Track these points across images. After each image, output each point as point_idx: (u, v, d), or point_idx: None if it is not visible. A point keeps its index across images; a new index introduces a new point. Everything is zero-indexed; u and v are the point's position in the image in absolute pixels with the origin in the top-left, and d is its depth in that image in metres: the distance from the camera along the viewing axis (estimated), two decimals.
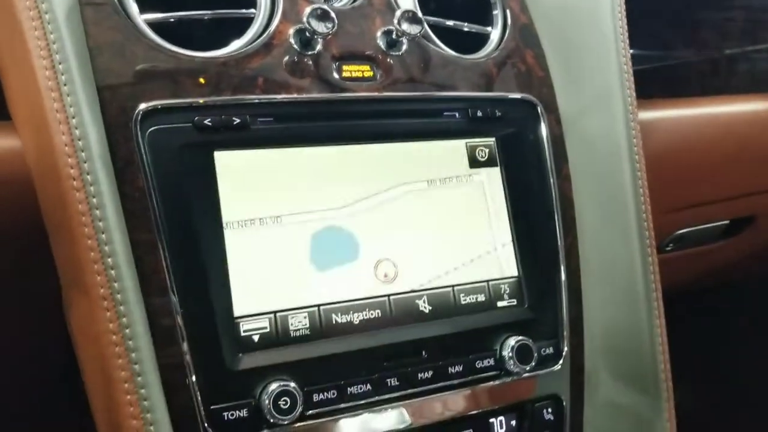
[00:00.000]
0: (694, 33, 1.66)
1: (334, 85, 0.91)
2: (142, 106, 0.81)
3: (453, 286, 0.94)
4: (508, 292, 0.98)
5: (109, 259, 0.77)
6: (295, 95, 0.89)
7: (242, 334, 0.83)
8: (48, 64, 0.79)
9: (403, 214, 0.93)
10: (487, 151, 0.99)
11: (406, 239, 0.93)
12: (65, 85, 0.79)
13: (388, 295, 0.90)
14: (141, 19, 0.85)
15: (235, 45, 0.89)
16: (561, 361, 0.99)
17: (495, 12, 1.07)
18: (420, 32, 0.94)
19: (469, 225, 0.97)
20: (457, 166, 0.97)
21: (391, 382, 0.88)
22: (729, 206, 1.47)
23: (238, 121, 0.85)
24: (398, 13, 0.92)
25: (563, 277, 1.01)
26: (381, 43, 0.94)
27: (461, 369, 0.92)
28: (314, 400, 0.84)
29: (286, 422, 0.81)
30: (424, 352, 0.91)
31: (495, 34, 1.06)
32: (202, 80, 0.85)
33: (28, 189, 0.83)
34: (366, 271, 0.90)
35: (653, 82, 1.35)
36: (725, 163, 1.38)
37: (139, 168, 0.80)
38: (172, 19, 0.87)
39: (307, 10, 0.87)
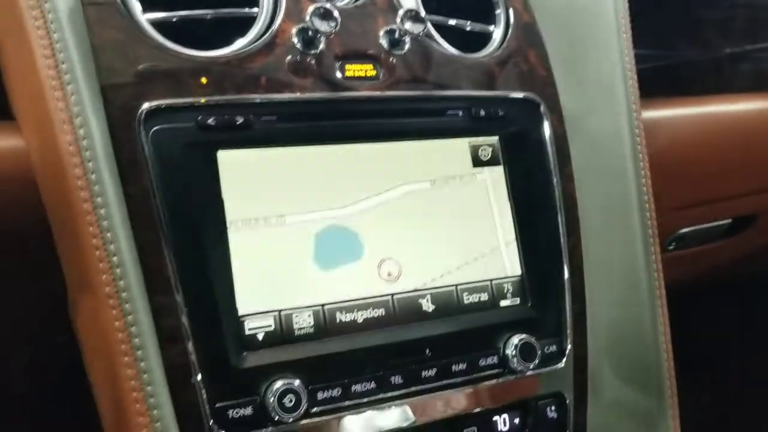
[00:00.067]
0: (697, 32, 1.66)
1: (336, 85, 0.91)
2: (146, 105, 0.81)
3: (456, 285, 0.95)
4: (511, 291, 0.98)
5: (114, 258, 0.77)
6: (297, 94, 0.89)
7: (247, 332, 0.83)
8: (51, 64, 0.79)
9: (406, 213, 0.93)
10: (490, 150, 0.99)
11: (409, 238, 0.93)
12: (69, 84, 0.79)
13: (392, 294, 0.91)
14: (144, 18, 0.85)
15: (238, 44, 0.88)
16: (564, 360, 0.99)
17: (497, 11, 1.07)
18: (423, 31, 0.94)
19: (473, 224, 0.97)
20: (461, 165, 0.97)
21: (395, 380, 0.88)
22: (732, 205, 1.47)
23: (241, 120, 0.85)
24: (401, 12, 0.92)
25: (566, 275, 1.01)
26: (384, 42, 0.94)
27: (465, 367, 0.92)
28: (318, 397, 0.84)
29: (290, 420, 0.81)
30: (427, 351, 0.91)
31: (498, 32, 1.06)
32: (204, 80, 0.85)
33: (32, 189, 0.83)
34: (369, 270, 0.90)
35: (656, 81, 1.35)
36: (729, 162, 1.38)
37: (142, 167, 0.80)
38: (174, 19, 0.87)
39: (310, 9, 0.87)
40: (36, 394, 1.31)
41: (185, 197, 0.82)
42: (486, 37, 1.06)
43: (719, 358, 1.99)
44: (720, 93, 1.46)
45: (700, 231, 1.46)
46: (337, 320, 0.87)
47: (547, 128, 1.02)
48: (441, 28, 1.02)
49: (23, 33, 0.81)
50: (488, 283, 0.97)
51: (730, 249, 1.57)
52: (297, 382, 0.82)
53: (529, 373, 0.95)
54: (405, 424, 0.89)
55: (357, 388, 0.86)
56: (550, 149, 1.02)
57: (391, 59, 0.95)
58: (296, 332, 0.85)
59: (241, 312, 0.83)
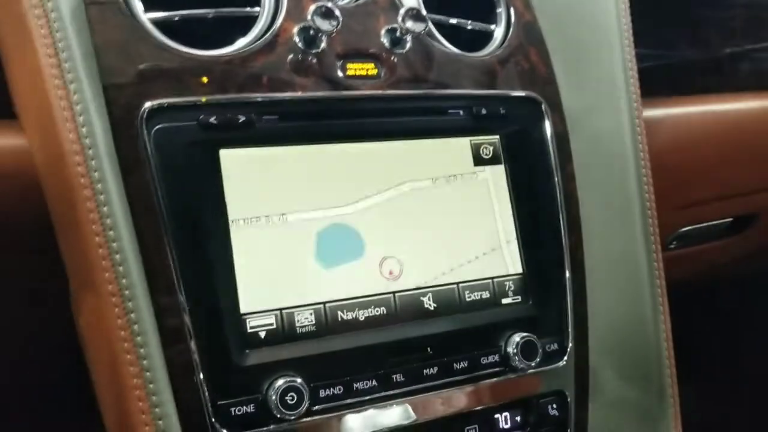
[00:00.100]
0: (698, 31, 1.66)
1: (338, 83, 0.92)
2: (148, 104, 0.81)
3: (458, 283, 0.95)
4: (512, 289, 0.98)
5: (117, 256, 0.77)
6: (299, 93, 0.89)
7: (249, 330, 0.83)
8: (54, 63, 0.79)
9: (407, 211, 0.93)
10: (491, 148, 0.99)
11: (411, 237, 0.93)
12: (71, 83, 0.79)
13: (394, 293, 0.91)
14: (146, 17, 0.85)
15: (240, 43, 0.89)
16: (565, 358, 0.99)
17: (499, 10, 1.07)
18: (424, 30, 0.94)
19: (474, 222, 0.97)
20: (462, 164, 0.97)
21: (396, 378, 0.89)
22: (733, 204, 1.47)
23: (243, 119, 0.85)
24: (402, 10, 0.92)
25: (568, 274, 1.01)
26: (385, 41, 0.94)
27: (466, 365, 0.93)
28: (320, 395, 0.84)
29: (292, 417, 0.81)
30: (429, 349, 0.91)
31: (499, 31, 1.06)
32: (206, 79, 0.85)
33: (35, 188, 0.83)
34: (371, 268, 0.90)
35: (657, 80, 1.35)
36: (729, 161, 1.39)
37: (145, 166, 0.80)
38: (176, 18, 0.87)
39: (312, 8, 0.87)
40: (38, 392, 1.31)
41: (187, 196, 0.82)
42: (487, 36, 1.06)
43: (720, 357, 1.99)
44: (721, 92, 1.46)
45: (701, 230, 1.46)
46: (339, 318, 0.87)
47: (548, 127, 1.03)
48: (442, 27, 1.02)
49: (26, 32, 0.81)
50: (490, 281, 0.97)
51: (731, 248, 1.57)
52: (299, 380, 0.82)
53: (531, 371, 0.95)
54: (406, 422, 0.89)
55: (359, 386, 0.86)
56: (551, 148, 1.02)
57: (392, 58, 0.95)
58: (298, 330, 0.85)
59: (243, 310, 0.83)
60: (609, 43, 1.12)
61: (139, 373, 0.77)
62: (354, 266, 0.89)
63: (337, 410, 0.85)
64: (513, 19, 1.06)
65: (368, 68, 0.94)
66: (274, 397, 0.80)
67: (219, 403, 0.80)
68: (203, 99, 0.84)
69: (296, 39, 0.89)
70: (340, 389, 0.85)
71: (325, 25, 0.87)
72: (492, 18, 1.07)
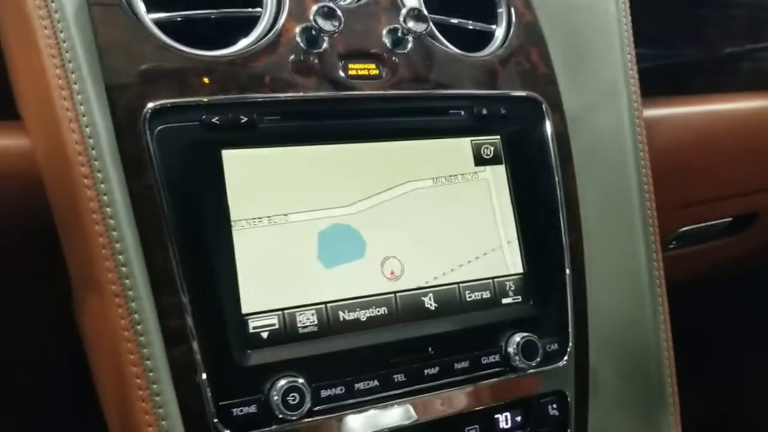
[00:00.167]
0: (698, 31, 1.66)
1: (340, 84, 0.92)
2: (150, 105, 0.81)
3: (459, 283, 0.95)
4: (513, 289, 0.98)
5: (120, 256, 0.77)
6: (301, 94, 0.89)
7: (251, 331, 0.83)
8: (58, 63, 0.79)
9: (409, 211, 0.93)
10: (492, 148, 0.99)
11: (412, 237, 0.93)
12: (75, 84, 0.79)
13: (395, 293, 0.91)
14: (148, 18, 0.85)
15: (242, 44, 0.89)
16: (566, 358, 0.99)
17: (500, 10, 1.07)
18: (425, 30, 0.94)
19: (475, 222, 0.97)
20: (463, 164, 0.97)
21: (397, 378, 0.89)
22: (733, 204, 1.47)
23: (245, 119, 0.85)
24: (404, 11, 0.93)
25: (568, 273, 1.01)
26: (386, 41, 0.95)
27: (467, 365, 0.93)
28: (322, 395, 0.84)
29: (294, 417, 0.81)
30: (430, 349, 0.91)
31: (499, 31, 1.06)
32: (207, 79, 0.85)
33: (38, 188, 0.83)
34: (372, 268, 0.90)
35: (657, 80, 1.35)
36: (730, 160, 1.39)
37: (148, 166, 0.80)
38: (179, 18, 0.87)
39: (314, 8, 0.87)
40: (39, 393, 1.31)
41: (190, 196, 0.82)
42: (488, 36, 1.06)
43: (720, 357, 1.99)
44: (721, 92, 1.46)
45: (700, 229, 1.46)
46: (341, 318, 0.88)
47: (548, 127, 1.03)
48: (443, 27, 1.02)
49: (30, 33, 0.81)
50: (490, 281, 0.97)
51: (731, 247, 1.57)
52: (301, 381, 0.82)
53: (531, 371, 0.96)
54: (407, 423, 0.90)
55: (360, 386, 0.87)
56: (551, 148, 1.03)
57: (393, 58, 0.95)
58: (300, 331, 0.85)
59: (245, 311, 0.83)
60: (609, 43, 1.12)
61: (143, 373, 0.78)
62: (355, 266, 0.90)
63: (338, 410, 0.85)
64: (514, 19, 1.07)
65: (370, 68, 0.94)
66: (276, 398, 0.80)
67: (221, 403, 0.80)
68: (205, 99, 0.84)
69: (298, 39, 0.90)
70: (341, 389, 0.85)
71: (327, 25, 0.87)
72: (493, 18, 1.07)
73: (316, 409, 0.84)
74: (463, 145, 0.98)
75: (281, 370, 0.83)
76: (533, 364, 0.95)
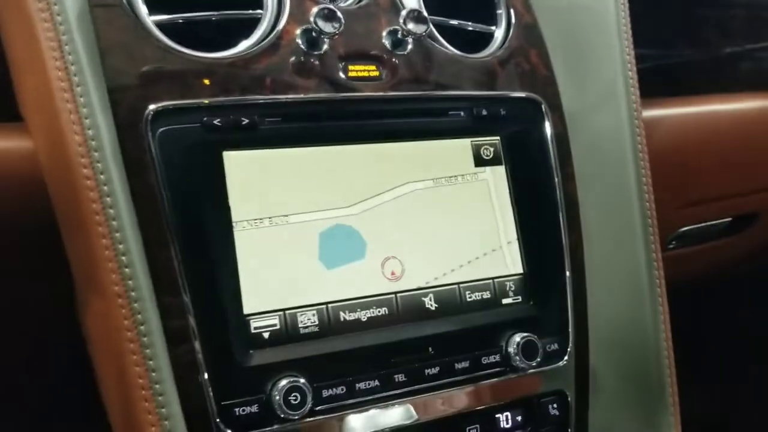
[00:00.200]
0: (697, 31, 1.66)
1: (340, 85, 0.92)
2: (152, 106, 0.81)
3: (459, 283, 0.95)
4: (513, 289, 0.99)
5: (123, 257, 0.78)
6: (302, 95, 0.90)
7: (253, 331, 0.84)
8: (61, 65, 0.80)
9: (409, 212, 0.94)
10: (492, 149, 1.00)
11: (412, 237, 0.93)
12: (78, 86, 0.79)
13: (395, 293, 0.91)
14: (150, 20, 0.85)
15: (243, 45, 0.89)
16: (566, 357, 1.00)
17: (499, 11, 1.07)
18: (425, 32, 0.94)
19: (475, 223, 0.98)
20: (463, 165, 0.98)
21: (398, 378, 0.89)
22: (733, 204, 1.47)
23: (246, 121, 0.86)
24: (403, 12, 0.93)
25: (568, 274, 1.02)
26: (386, 42, 0.95)
27: (467, 365, 0.93)
28: (323, 395, 0.85)
29: (296, 417, 0.82)
30: (430, 349, 0.92)
31: (499, 33, 1.06)
32: (207, 81, 0.85)
33: (41, 189, 0.83)
34: (373, 269, 0.91)
35: (656, 81, 1.36)
36: (729, 160, 1.39)
37: (150, 168, 0.80)
38: (180, 20, 0.87)
39: (314, 10, 0.87)
40: (42, 393, 1.31)
41: (192, 197, 0.82)
42: (487, 38, 1.06)
43: (720, 357, 1.99)
44: (720, 92, 1.46)
45: (700, 229, 1.46)
46: (341, 319, 0.88)
47: (548, 128, 1.03)
48: (443, 29, 1.02)
49: (32, 35, 0.81)
50: (490, 281, 0.97)
51: (731, 247, 1.57)
52: (302, 381, 0.82)
53: (531, 371, 0.96)
54: (408, 422, 0.90)
55: (361, 386, 0.87)
56: (551, 149, 1.03)
57: (393, 60, 0.96)
58: (301, 331, 0.86)
59: (246, 311, 0.83)
60: (609, 43, 1.12)
61: (145, 374, 0.78)
62: (356, 267, 0.90)
63: (339, 410, 0.86)
64: (513, 20, 1.07)
65: (370, 70, 0.94)
66: (277, 398, 0.81)
67: (223, 403, 0.80)
68: (206, 101, 0.84)
69: (299, 41, 0.90)
70: (342, 389, 0.86)
71: (327, 27, 0.88)
72: (492, 19, 1.07)
73: (317, 408, 0.84)
74: (463, 146, 0.98)
75: (283, 370, 0.83)
76: (533, 364, 0.95)
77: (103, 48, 0.82)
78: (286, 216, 0.87)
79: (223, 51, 0.88)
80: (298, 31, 0.90)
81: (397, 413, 0.89)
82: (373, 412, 0.88)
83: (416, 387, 0.90)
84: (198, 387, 0.80)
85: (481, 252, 0.98)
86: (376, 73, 0.94)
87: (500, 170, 1.00)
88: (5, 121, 0.88)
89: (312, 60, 0.91)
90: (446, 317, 0.94)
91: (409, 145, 0.95)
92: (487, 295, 0.97)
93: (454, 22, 1.04)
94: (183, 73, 0.84)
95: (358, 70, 0.93)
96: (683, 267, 1.51)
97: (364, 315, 0.89)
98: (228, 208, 0.84)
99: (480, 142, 0.99)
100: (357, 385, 0.87)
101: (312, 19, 0.87)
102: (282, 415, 0.81)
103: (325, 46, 0.91)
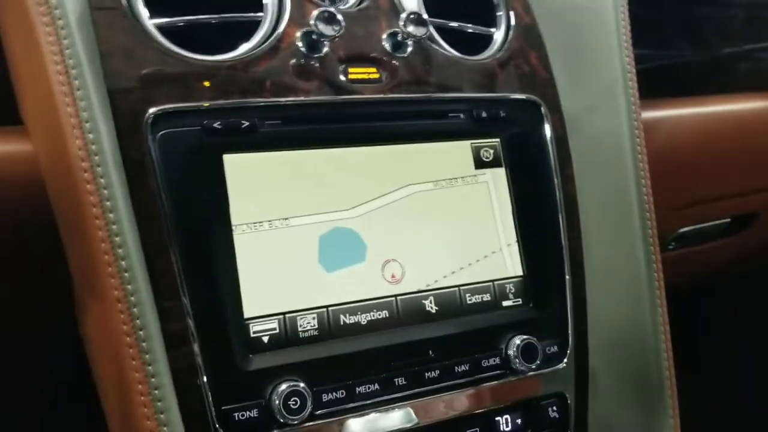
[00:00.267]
0: (697, 32, 1.66)
1: (340, 88, 0.92)
2: (152, 109, 0.81)
3: (459, 286, 0.95)
4: (513, 291, 0.99)
5: (123, 262, 0.78)
6: (302, 98, 0.90)
7: (252, 335, 0.84)
8: (61, 69, 0.79)
9: (409, 214, 0.94)
10: (492, 151, 1.00)
11: (412, 240, 0.93)
12: (78, 90, 0.79)
13: (396, 296, 0.91)
14: (150, 23, 0.85)
15: (243, 48, 0.89)
16: (566, 360, 1.00)
17: (499, 13, 1.07)
18: (425, 34, 0.94)
19: (475, 225, 0.98)
20: (463, 167, 0.98)
21: (398, 381, 0.89)
22: (732, 204, 1.47)
23: (246, 124, 0.85)
24: (403, 15, 0.93)
25: (567, 276, 1.02)
26: (387, 45, 0.95)
27: (467, 368, 0.93)
28: (323, 399, 0.84)
29: (296, 422, 0.81)
30: (430, 352, 0.91)
31: (498, 35, 1.06)
32: (208, 83, 0.85)
33: (41, 193, 0.83)
34: (373, 272, 0.91)
35: (656, 81, 1.36)
36: (728, 161, 1.39)
37: (150, 171, 0.80)
38: (180, 23, 0.87)
39: (315, 13, 0.87)
40: (41, 397, 1.31)
41: (191, 201, 0.82)
42: (487, 40, 1.06)
43: (719, 358, 2.00)
44: (719, 93, 1.46)
45: (700, 230, 1.46)
46: (341, 322, 0.88)
47: (548, 130, 1.03)
48: (443, 31, 1.02)
49: (33, 38, 0.81)
50: (490, 283, 0.97)
51: (731, 248, 1.57)
52: (302, 385, 0.82)
53: (531, 373, 0.96)
54: (408, 426, 0.90)
55: (361, 389, 0.87)
56: (551, 150, 1.03)
57: (393, 62, 0.96)
58: (301, 335, 0.86)
59: (246, 315, 0.83)
60: (608, 44, 1.12)
61: (144, 379, 0.78)
62: (356, 270, 0.90)
63: (339, 414, 0.86)
64: (513, 22, 1.07)
65: (370, 72, 0.94)
66: (277, 402, 0.81)
67: (222, 408, 0.80)
68: (207, 104, 0.84)
69: (299, 44, 0.90)
70: (342, 393, 0.86)
71: (327, 30, 0.87)
72: (492, 21, 1.07)
73: (317, 413, 0.84)
74: (463, 148, 0.98)
75: (282, 374, 0.83)
76: (533, 367, 0.95)
77: (104, 51, 0.82)
78: (287, 219, 0.87)
79: (223, 54, 0.88)
80: (298, 34, 0.90)
81: (398, 417, 0.89)
82: (373, 415, 0.88)
83: (416, 390, 0.90)
84: (197, 391, 0.80)
85: (481, 254, 0.97)
86: (376, 76, 0.94)
87: (500, 172, 1.00)
88: (5, 125, 0.88)
89: (312, 63, 0.91)
90: (446, 320, 0.94)
91: (409, 148, 0.95)
92: (487, 297, 0.97)
93: (454, 24, 1.04)
94: (183, 76, 0.84)
95: (358, 72, 0.93)
96: (683, 267, 1.51)
97: (364, 318, 0.89)
98: (228, 212, 0.84)
99: (480, 145, 0.99)
100: (357, 388, 0.87)
101: (312, 22, 0.87)
102: (281, 420, 0.81)
103: (326, 49, 0.91)
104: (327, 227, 0.89)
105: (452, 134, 0.99)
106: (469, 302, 0.96)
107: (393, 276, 0.92)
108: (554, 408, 0.99)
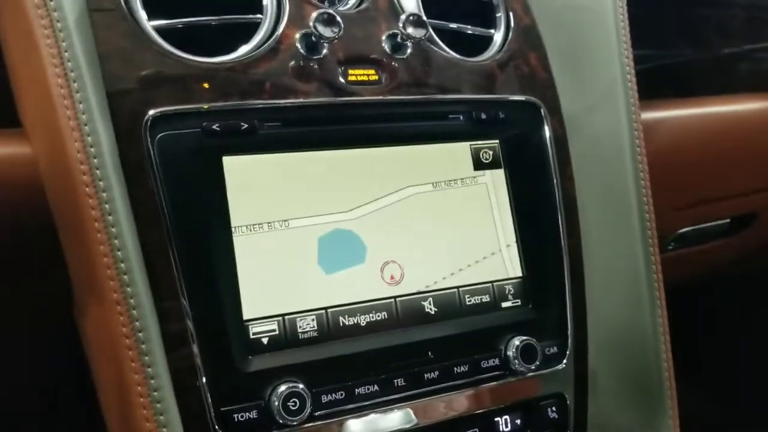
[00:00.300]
0: (697, 32, 1.66)
1: (340, 89, 0.92)
2: (152, 112, 0.81)
3: (458, 287, 0.95)
4: (512, 292, 0.99)
5: (122, 264, 0.78)
6: (301, 99, 0.90)
7: (251, 336, 0.84)
8: (60, 72, 0.80)
9: (408, 216, 0.94)
10: (491, 153, 1.00)
11: (411, 241, 0.93)
12: (77, 92, 0.79)
13: (395, 297, 0.91)
14: (149, 25, 0.85)
15: (243, 50, 0.89)
16: (565, 361, 1.00)
17: (498, 14, 1.07)
18: (424, 36, 0.94)
19: (474, 226, 0.98)
20: (462, 168, 0.98)
21: (397, 382, 0.89)
22: (732, 204, 1.47)
23: (245, 126, 0.85)
24: (403, 17, 0.93)
25: (567, 276, 1.02)
26: (386, 46, 0.95)
27: (467, 369, 0.93)
28: (323, 401, 0.85)
29: (295, 423, 0.82)
30: (430, 353, 0.92)
31: (498, 36, 1.06)
32: (209, 86, 0.85)
33: (40, 196, 0.83)
34: (373, 273, 0.91)
35: (655, 82, 1.36)
36: (728, 161, 1.39)
37: (149, 173, 0.80)
38: (179, 25, 0.87)
39: (314, 15, 0.87)
40: (41, 399, 1.31)
41: (191, 203, 0.82)
42: (487, 41, 1.06)
43: (719, 358, 1.99)
44: (720, 93, 1.46)
45: (700, 230, 1.46)
46: (341, 324, 0.88)
47: (547, 131, 1.03)
48: (442, 33, 1.02)
49: (31, 40, 0.81)
50: (490, 284, 0.97)
51: (731, 248, 1.57)
52: (301, 386, 0.82)
53: (531, 374, 0.96)
54: (408, 427, 0.90)
55: (360, 390, 0.87)
56: (550, 152, 1.03)
57: (393, 64, 0.95)
58: (300, 336, 0.86)
59: (246, 316, 0.84)
60: (607, 44, 1.12)
61: (144, 380, 0.78)
62: (355, 271, 0.90)
63: (339, 415, 0.86)
64: (512, 23, 1.07)
65: (369, 74, 0.94)
66: (276, 403, 0.81)
67: (222, 409, 0.80)
68: (206, 106, 0.84)
69: (298, 45, 0.90)
70: (342, 394, 0.86)
71: (326, 31, 0.87)
72: (491, 23, 1.07)
73: (316, 414, 0.84)
74: (462, 149, 0.98)
75: (282, 375, 0.83)
76: (533, 368, 0.95)
77: (102, 53, 0.82)
78: (286, 221, 0.87)
79: (222, 56, 0.88)
80: (297, 36, 0.90)
81: (397, 417, 0.89)
82: (372, 416, 0.88)
83: (416, 391, 0.90)
84: (196, 392, 0.80)
85: (481, 255, 0.98)
86: (376, 77, 0.94)
87: (499, 174, 1.00)
88: (4, 127, 0.88)
89: (311, 64, 0.91)
90: (446, 321, 0.94)
91: (409, 149, 0.95)
92: (486, 298, 0.97)
93: (454, 25, 1.04)
94: (182, 78, 0.84)
95: (357, 74, 0.93)
96: (682, 268, 1.51)
97: (363, 319, 0.89)
98: (227, 213, 0.84)
99: (479, 146, 0.99)
100: (356, 389, 0.87)
101: (311, 23, 0.87)
102: (281, 421, 0.81)
103: (325, 51, 0.91)
104: (326, 229, 0.89)
105: (451, 136, 0.99)
106: (468, 303, 0.96)
107: (392, 277, 0.92)
108: (554, 408, 0.99)
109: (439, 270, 0.95)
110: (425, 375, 0.91)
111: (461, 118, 0.99)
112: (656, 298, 1.08)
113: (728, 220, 1.50)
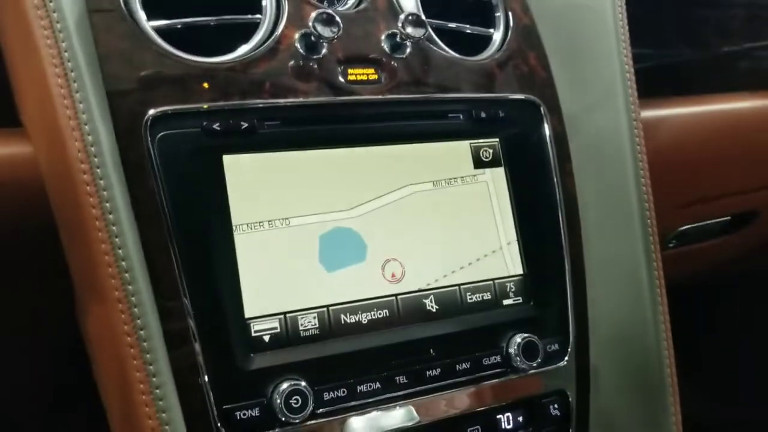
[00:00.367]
0: (697, 31, 1.66)
1: (339, 89, 0.92)
2: (152, 111, 0.82)
3: (459, 285, 0.96)
4: (513, 290, 0.99)
5: (123, 263, 0.78)
6: (301, 99, 0.90)
7: (253, 334, 0.84)
8: (60, 72, 0.80)
9: (409, 214, 0.94)
10: (491, 151, 1.00)
11: (412, 239, 0.94)
12: (77, 92, 0.79)
13: (396, 295, 0.92)
14: (148, 25, 0.86)
15: (242, 50, 0.89)
16: (567, 358, 1.00)
17: (497, 14, 1.07)
18: (424, 35, 0.94)
19: (475, 224, 0.98)
20: (462, 167, 0.98)
21: (399, 380, 0.89)
22: (732, 202, 1.47)
23: (246, 125, 0.86)
24: (402, 16, 0.93)
25: (568, 274, 1.02)
26: (385, 46, 0.95)
27: (468, 366, 0.93)
28: (324, 398, 0.85)
29: (297, 421, 0.82)
30: (431, 351, 0.92)
31: (497, 35, 1.07)
32: (209, 85, 0.85)
33: (41, 195, 0.84)
34: (374, 271, 0.91)
35: (655, 81, 1.36)
36: (728, 159, 1.39)
37: (149, 173, 0.80)
38: (179, 26, 0.87)
39: (313, 14, 0.87)
40: (42, 398, 1.31)
41: (192, 202, 0.82)
42: (486, 40, 1.06)
43: (720, 356, 1.99)
44: (719, 91, 1.46)
45: (700, 228, 1.46)
46: (342, 321, 0.88)
47: (547, 129, 1.03)
48: (441, 32, 1.02)
49: (31, 41, 0.81)
50: (491, 282, 0.98)
51: (731, 246, 1.57)
52: (303, 384, 0.82)
53: (532, 371, 0.96)
54: (410, 424, 0.90)
55: (362, 388, 0.87)
56: (550, 150, 1.03)
57: (392, 63, 0.96)
58: (302, 334, 0.86)
59: (247, 314, 0.84)
60: (606, 43, 1.12)
61: (145, 378, 0.78)
62: (357, 269, 0.90)
63: (341, 413, 0.86)
64: (511, 22, 1.07)
65: (369, 73, 0.94)
66: (278, 401, 0.81)
67: (224, 407, 0.80)
68: (206, 106, 0.84)
69: (297, 45, 0.90)
70: (344, 392, 0.86)
71: (326, 31, 0.88)
72: (491, 22, 1.07)
73: (318, 411, 0.84)
74: (462, 148, 0.99)
75: (283, 373, 0.83)
76: (534, 365, 0.96)
77: (102, 54, 0.82)
78: (287, 219, 0.87)
79: (222, 56, 0.88)
80: (296, 36, 0.90)
81: (399, 415, 0.90)
82: (374, 414, 0.88)
83: (417, 388, 0.90)
84: (198, 390, 0.80)
85: (482, 253, 0.98)
86: (375, 77, 0.95)
87: (499, 172, 1.00)
88: (4, 127, 0.88)
89: (311, 64, 0.91)
90: (447, 319, 0.94)
91: (409, 148, 0.96)
92: (487, 296, 0.97)
93: (453, 25, 1.04)
94: (182, 78, 0.85)
95: (357, 73, 0.94)
96: (683, 266, 1.51)
97: (364, 317, 0.89)
98: (228, 212, 0.84)
99: (479, 144, 0.99)
100: (358, 387, 0.87)
101: (310, 23, 0.87)
102: (283, 419, 0.81)
103: (324, 50, 0.91)
104: (327, 227, 0.89)
105: (451, 134, 0.99)
106: (469, 301, 0.96)
107: (393, 275, 0.92)
108: (556, 406, 0.99)
109: (440, 268, 0.95)
110: (427, 372, 0.91)
111: (461, 116, 0.99)
112: (657, 295, 1.08)
113: (729, 218, 1.50)
